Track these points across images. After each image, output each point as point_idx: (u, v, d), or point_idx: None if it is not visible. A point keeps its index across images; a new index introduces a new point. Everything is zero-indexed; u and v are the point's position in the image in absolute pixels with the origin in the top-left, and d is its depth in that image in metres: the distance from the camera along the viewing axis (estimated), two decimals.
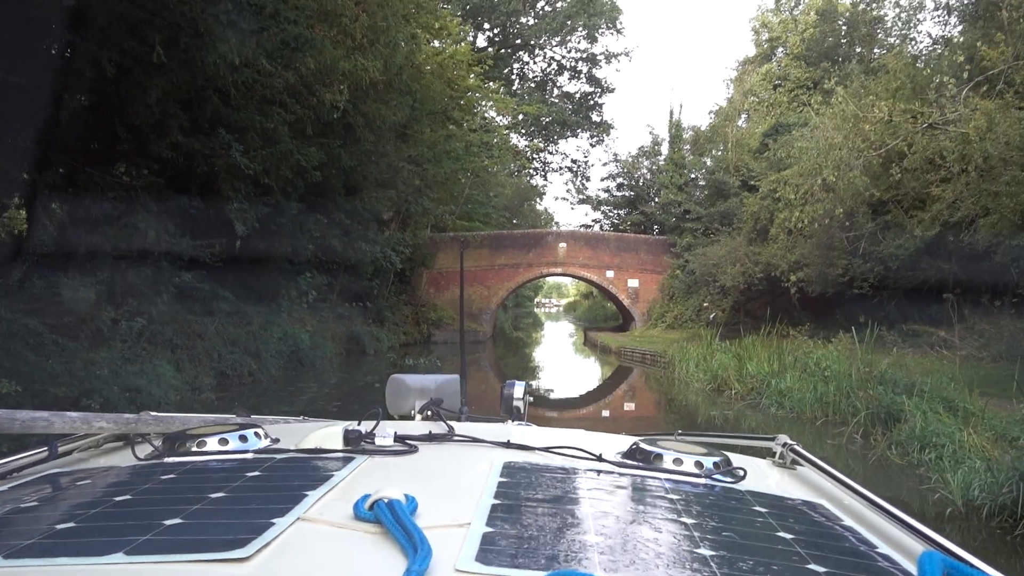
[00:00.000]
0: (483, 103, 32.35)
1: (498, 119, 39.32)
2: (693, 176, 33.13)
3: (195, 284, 13.52)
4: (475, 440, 1.59)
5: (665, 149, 39.88)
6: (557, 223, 57.10)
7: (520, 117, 41.59)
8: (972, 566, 0.92)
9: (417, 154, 19.40)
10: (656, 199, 39.40)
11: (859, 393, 11.98)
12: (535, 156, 47.58)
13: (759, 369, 16.47)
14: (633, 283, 34.21)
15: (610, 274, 34.43)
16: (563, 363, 31.25)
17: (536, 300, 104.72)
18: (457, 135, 21.91)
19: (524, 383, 2.46)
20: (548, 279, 78.45)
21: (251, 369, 15.90)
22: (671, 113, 33.84)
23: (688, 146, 35.39)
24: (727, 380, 17.01)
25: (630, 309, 34.40)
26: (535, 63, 45.51)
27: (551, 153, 49.63)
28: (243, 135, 12.84)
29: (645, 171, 40.08)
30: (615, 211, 41.43)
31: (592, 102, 47.17)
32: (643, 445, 1.53)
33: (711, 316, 28.03)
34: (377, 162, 18.01)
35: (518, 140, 45.01)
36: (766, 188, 23.39)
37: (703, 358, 19.67)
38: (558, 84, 45.88)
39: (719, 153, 30.61)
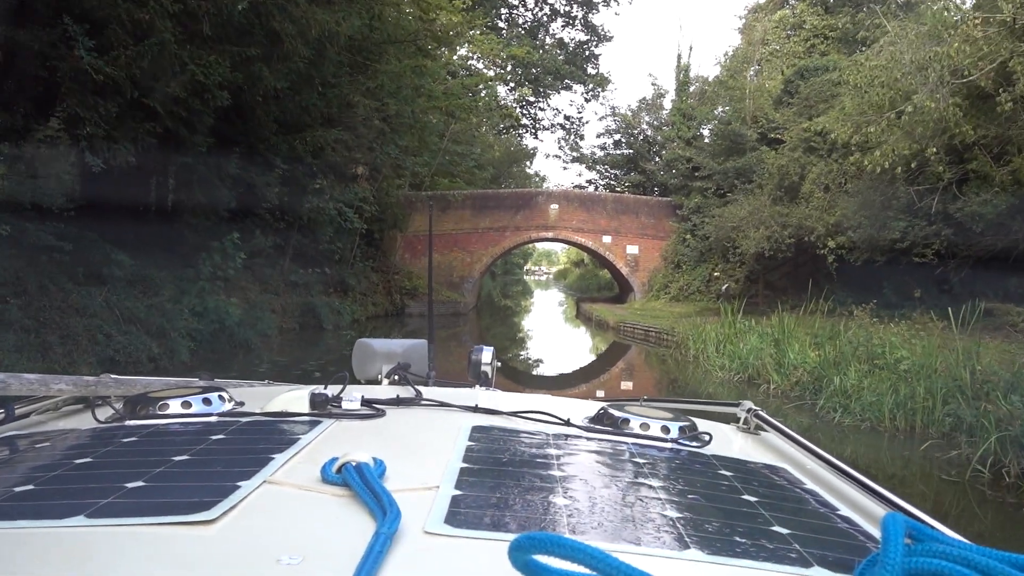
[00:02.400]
0: (464, 45, 28.34)
1: (483, 69, 35.41)
2: (703, 130, 29.35)
3: (54, 242, 9.85)
4: (443, 404, 1.58)
5: (668, 104, 36.10)
6: (548, 185, 53.27)
7: (508, 67, 37.65)
8: (933, 528, 0.87)
9: (377, 86, 15.73)
10: (658, 157, 35.73)
11: (980, 403, 8.50)
12: (524, 111, 43.66)
13: (803, 357, 13.00)
14: (632, 249, 30.66)
15: (607, 239, 30.85)
16: (555, 341, 27.67)
17: (525, 267, 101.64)
18: (431, 71, 18.20)
19: (492, 348, 2.35)
20: (538, 245, 75.09)
21: (152, 353, 12.31)
22: (678, 57, 30.08)
23: (696, 99, 31.54)
24: (762, 370, 13.54)
25: (629, 278, 30.88)
26: (525, 7, 41.44)
27: (542, 109, 45.79)
28: (101, 29, 9.08)
29: (646, 126, 36.34)
30: (612, 170, 37.77)
31: (587, 52, 43.26)
32: (610, 410, 1.52)
33: (723, 287, 24.54)
34: (323, 92, 14.33)
35: (506, 94, 41.13)
36: (796, 138, 19.76)
37: (725, 339, 16.19)
38: (551, 31, 41.87)
39: (730, 104, 26.81)
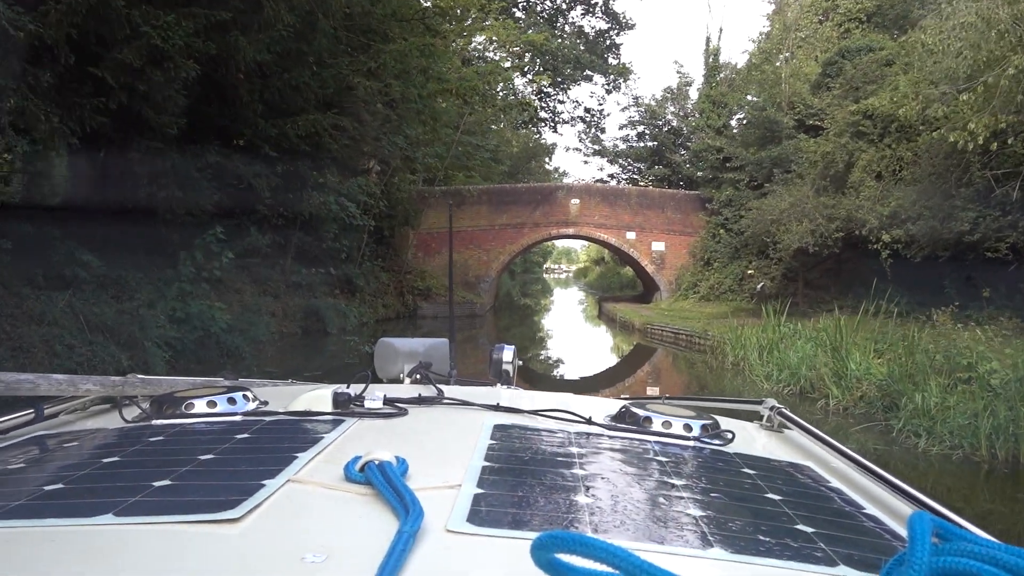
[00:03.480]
0: (479, 32, 26.69)
1: (500, 61, 33.75)
2: (733, 119, 27.52)
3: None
4: (465, 403, 1.58)
5: (695, 93, 34.28)
6: (568, 180, 51.59)
7: (527, 57, 36.01)
8: (961, 527, 0.89)
9: (379, 67, 14.19)
10: (683, 149, 33.96)
11: None
12: (543, 104, 41.99)
13: (867, 368, 11.29)
14: (658, 246, 28.94)
15: (631, 235, 29.15)
16: (577, 344, 25.95)
17: (545, 266, 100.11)
18: (441, 52, 16.62)
19: (513, 347, 2.32)
20: (557, 243, 73.37)
21: (121, 366, 10.77)
22: (707, 41, 28.26)
23: (726, 86, 29.69)
24: (817, 382, 11.84)
25: (654, 277, 29.16)
26: None
27: (561, 101, 44.12)
28: None
29: (671, 117, 34.57)
30: (635, 164, 36.02)
31: (608, 42, 41.50)
32: (632, 409, 1.52)
33: (758, 286, 22.79)
34: (317, 72, 12.79)
35: (524, 86, 39.48)
36: (842, 122, 17.97)
37: (769, 344, 14.50)
38: (570, 19, 40.16)
39: (764, 90, 24.97)
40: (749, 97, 25.35)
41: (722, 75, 29.61)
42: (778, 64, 28.77)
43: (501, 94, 39.06)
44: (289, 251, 19.07)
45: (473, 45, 34.19)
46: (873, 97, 17.69)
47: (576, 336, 28.52)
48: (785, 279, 22.68)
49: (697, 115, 28.89)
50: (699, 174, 31.36)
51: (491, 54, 34.77)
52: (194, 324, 12.52)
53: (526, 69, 36.33)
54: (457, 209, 28.53)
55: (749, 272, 23.61)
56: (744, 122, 24.77)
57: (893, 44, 21.83)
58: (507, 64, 33.61)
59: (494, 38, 33.37)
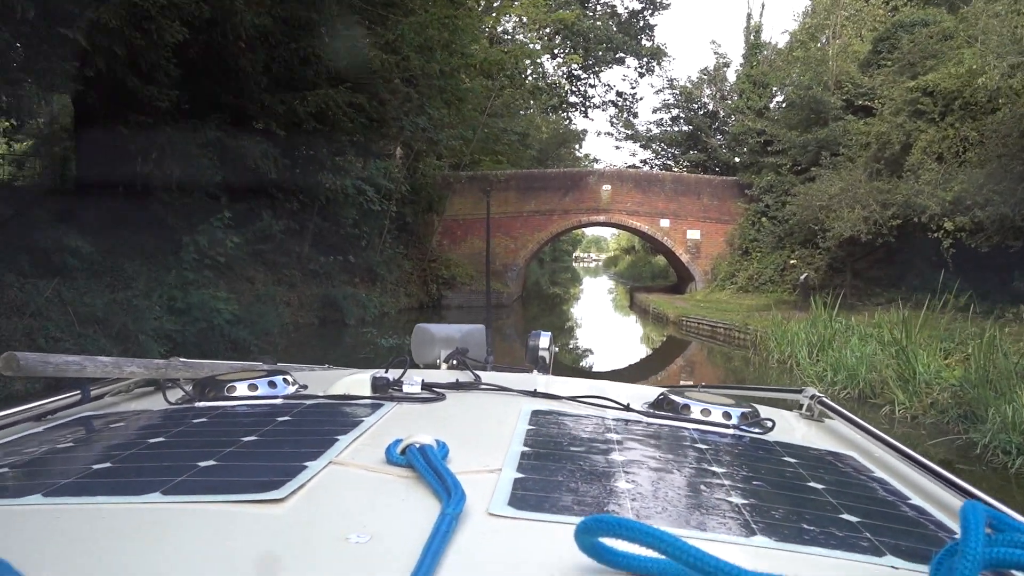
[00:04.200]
0: (507, 14, 25.47)
1: (528, 43, 32.52)
2: (774, 100, 26.08)
3: None
4: (502, 389, 1.58)
5: (732, 75, 32.77)
6: (598, 166, 50.29)
7: (557, 38, 34.75)
8: (1013, 518, 0.88)
9: (396, 38, 13.15)
10: (719, 134, 32.53)
11: None
12: (573, 88, 40.69)
13: (936, 371, 10.07)
14: (693, 234, 27.66)
15: (665, 223, 27.88)
16: (609, 338, 24.72)
17: (574, 254, 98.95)
18: (464, 27, 15.48)
19: (550, 334, 2.30)
20: (587, 231, 71.98)
21: None
22: (748, 17, 26.79)
23: (768, 65, 28.19)
24: (879, 386, 10.64)
25: (689, 266, 27.88)
26: None
27: (592, 85, 42.76)
28: None
29: (707, 100, 33.12)
30: (668, 149, 34.62)
31: (642, 22, 40.03)
32: (671, 396, 1.50)
33: (801, 277, 21.45)
34: (329, 42, 11.75)
35: (553, 70, 38.22)
36: (900, 100, 16.59)
37: (821, 342, 13.28)
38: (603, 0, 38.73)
39: (809, 68, 23.48)
40: (794, 75, 23.87)
41: (764, 54, 28.12)
42: (822, 43, 27.27)
43: (530, 77, 37.94)
44: (306, 237, 18.17)
45: (502, 28, 33.08)
46: (933, 73, 16.27)
47: (607, 329, 27.31)
48: (831, 270, 21.33)
49: (736, 96, 27.44)
50: (736, 159, 29.95)
51: (520, 36, 33.65)
52: (195, 315, 11.62)
53: (556, 51, 35.03)
54: (483, 195, 27.48)
55: (792, 262, 22.28)
56: (786, 103, 23.32)
57: (951, 17, 20.33)
58: (537, 45, 32.37)
59: (523, 18, 32.19)
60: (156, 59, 8.85)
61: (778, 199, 22.87)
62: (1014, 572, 0.63)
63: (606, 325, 28.64)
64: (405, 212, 22.33)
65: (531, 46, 32.17)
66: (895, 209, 15.40)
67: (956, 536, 0.64)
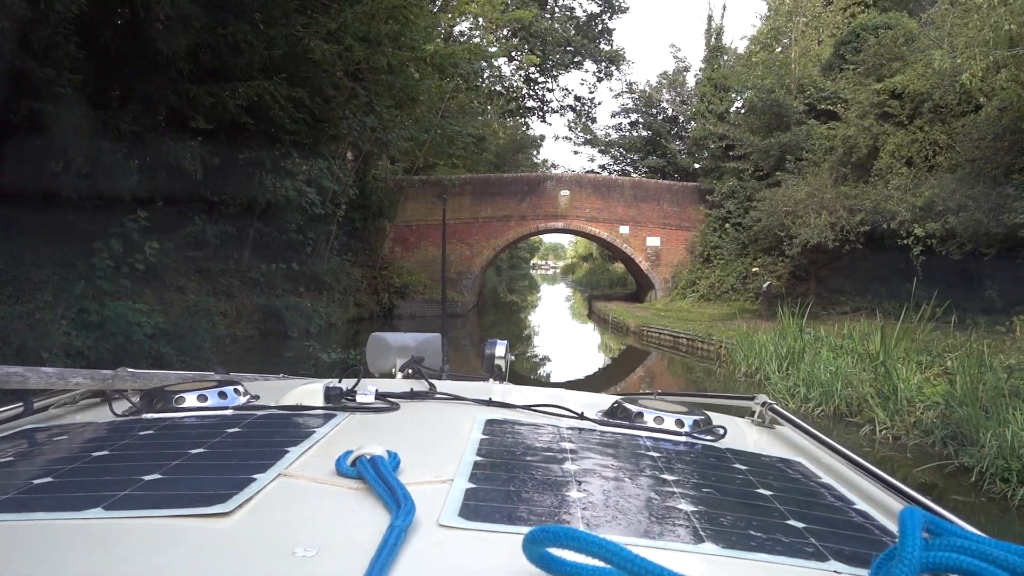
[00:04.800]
0: (462, 16, 24.55)
1: (485, 45, 31.65)
2: (735, 104, 25.56)
3: None
4: (457, 398, 1.57)
5: (692, 81, 32.29)
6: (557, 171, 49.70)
7: (515, 39, 33.96)
8: (951, 522, 0.89)
9: (338, 28, 12.14)
10: (679, 139, 32.04)
11: None
12: (531, 92, 39.96)
13: (918, 388, 9.39)
14: (653, 241, 27.04)
15: (624, 230, 27.22)
16: (568, 350, 23.83)
17: (532, 261, 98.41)
18: (414, 20, 14.50)
19: (505, 342, 2.35)
20: (544, 238, 71.46)
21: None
22: (709, 19, 26.23)
23: (730, 67, 27.69)
24: (856, 404, 9.93)
25: (649, 274, 27.24)
26: None
27: (550, 89, 42.11)
28: None
29: (666, 104, 32.62)
30: (627, 154, 34.04)
31: (600, 26, 39.50)
32: (625, 404, 1.51)
33: (764, 285, 20.86)
34: (264, 27, 10.68)
35: (511, 72, 37.44)
36: (866, 102, 16.08)
37: (791, 354, 12.59)
38: (560, 1, 38.07)
39: (771, 71, 22.99)
40: (755, 79, 23.37)
41: (725, 58, 27.63)
42: (782, 47, 26.89)
43: (487, 80, 37.08)
44: (246, 244, 17.01)
45: (459, 29, 32.20)
46: (900, 75, 15.79)
47: (565, 340, 26.45)
48: (794, 278, 20.80)
49: (697, 100, 26.87)
50: (696, 165, 29.47)
51: (477, 38, 32.81)
52: (111, 329, 10.44)
53: (514, 53, 34.24)
54: (437, 200, 26.51)
55: (754, 270, 21.71)
56: (748, 107, 22.80)
57: (912, 21, 20.01)
58: (493, 48, 31.53)
59: (480, 19, 31.36)
60: (52, 36, 7.75)
61: (741, 205, 22.32)
62: (950, 575, 0.64)
63: (565, 336, 27.79)
64: (354, 217, 21.24)
65: (488, 48, 31.32)
66: (863, 215, 14.83)
67: (897, 541, 0.63)
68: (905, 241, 14.17)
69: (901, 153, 14.99)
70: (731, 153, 22.92)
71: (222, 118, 10.92)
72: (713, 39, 25.96)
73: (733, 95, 25.54)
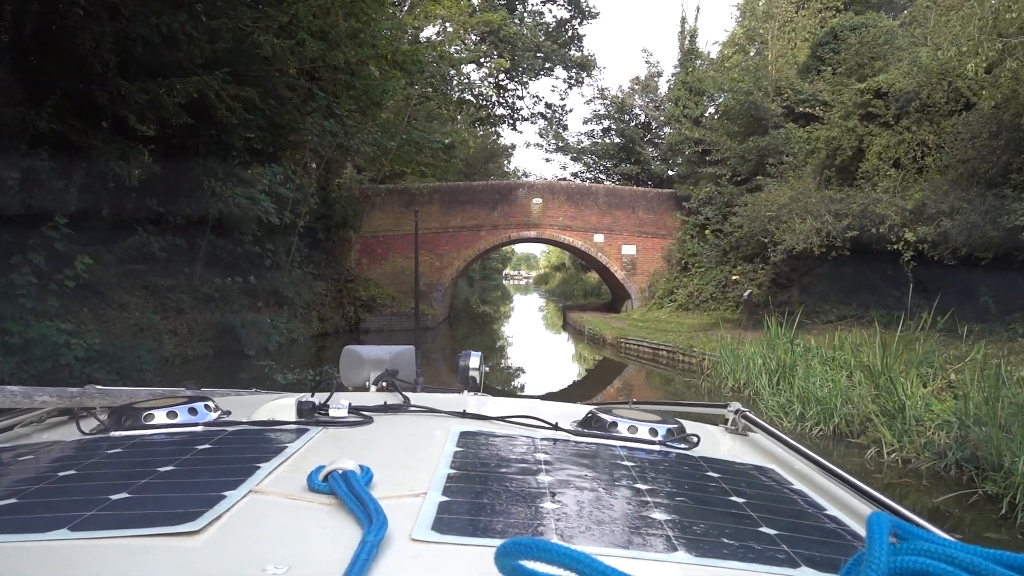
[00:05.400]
0: (431, 7, 23.65)
1: (454, 50, 30.82)
2: (711, 108, 24.91)
3: None
4: (431, 410, 1.56)
5: (664, 87, 31.69)
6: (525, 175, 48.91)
7: (484, 45, 33.18)
8: (919, 526, 0.91)
9: (289, 21, 11.18)
10: (652, 146, 31.42)
11: None
12: (500, 99, 39.21)
13: (926, 403, 8.61)
14: (629, 250, 26.33)
15: (599, 238, 26.48)
16: (543, 365, 22.89)
17: (504, 272, 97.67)
18: (374, 15, 13.56)
19: (480, 353, 2.34)
20: (517, 248, 70.74)
21: None
22: (682, 21, 25.63)
23: (705, 69, 27.08)
24: (857, 423, 9.15)
25: (625, 283, 26.50)
26: None
27: (520, 97, 41.37)
28: None
29: (639, 111, 31.99)
30: (600, 161, 33.34)
31: (571, 32, 38.86)
32: (599, 414, 1.50)
33: (744, 294, 20.17)
34: (205, 23, 9.66)
35: (480, 80, 36.64)
36: (850, 103, 15.44)
37: (781, 368, 11.82)
38: (529, 5, 37.37)
39: (747, 74, 22.36)
40: (731, 82, 22.72)
41: (699, 62, 27.02)
42: (755, 50, 26.36)
43: (455, 86, 36.25)
44: (198, 257, 15.93)
45: (426, 34, 31.35)
46: (883, 74, 15.17)
47: (540, 353, 25.52)
48: (775, 286, 20.13)
49: (671, 104, 26.21)
50: (671, 172, 28.88)
51: (445, 44, 32.01)
52: (36, 353, 9.36)
53: (483, 60, 33.42)
54: (405, 209, 25.58)
55: (734, 278, 21.01)
56: (725, 111, 22.15)
57: (890, 21, 19.52)
58: (461, 53, 30.70)
59: (448, 25, 30.52)
60: None
61: (719, 211, 21.63)
62: None
63: (539, 350, 26.83)
64: (317, 228, 20.20)
65: (455, 51, 30.47)
66: (850, 220, 14.14)
67: (865, 546, 0.65)
68: (895, 246, 13.49)
69: (888, 155, 14.34)
70: (707, 158, 22.26)
71: (163, 120, 9.89)
72: (687, 42, 25.36)
73: (708, 99, 24.91)
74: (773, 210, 15.34)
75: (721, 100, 23.83)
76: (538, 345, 27.76)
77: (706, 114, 25.66)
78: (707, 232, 21.76)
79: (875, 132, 14.77)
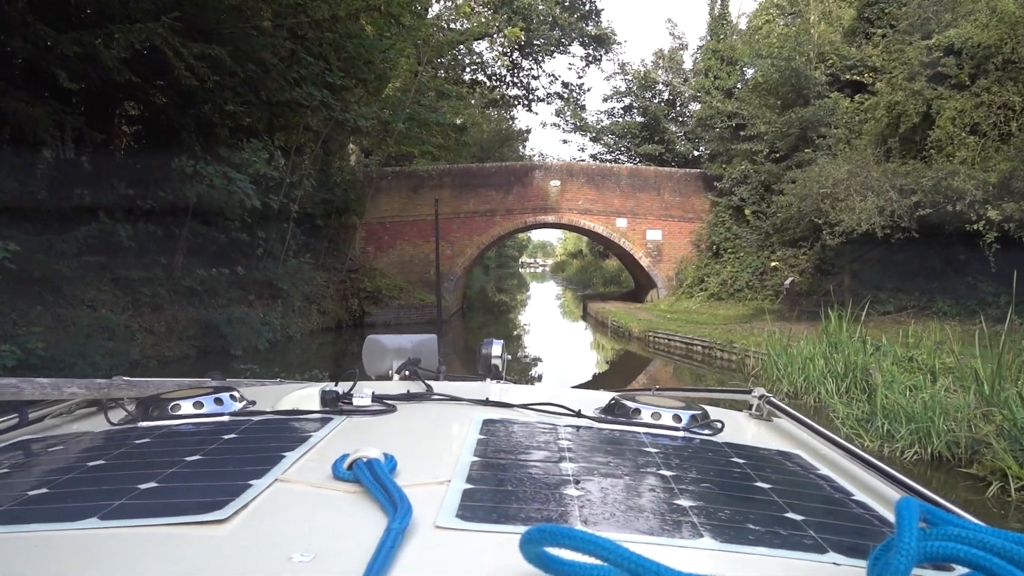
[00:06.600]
0: None
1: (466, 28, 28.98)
2: (746, 78, 22.83)
3: None
4: (453, 398, 1.57)
5: (689, 61, 29.69)
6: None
7: (495, 22, 31.27)
8: (949, 511, 0.89)
9: None
10: (674, 125, 29.43)
11: None
12: (515, 79, 37.28)
13: None
14: (654, 235, 24.46)
15: (621, 223, 24.62)
16: (568, 362, 21.00)
17: (520, 259, 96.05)
18: None
19: (502, 341, 2.30)
20: (533, 235, 69.12)
21: None
22: None
23: (737, 40, 25.01)
24: (969, 444, 7.30)
25: (650, 271, 24.63)
26: None
27: (535, 77, 39.43)
28: None
29: (662, 87, 29.98)
30: (621, 141, 31.36)
31: (588, 6, 36.77)
32: (622, 400, 1.50)
33: (786, 282, 18.29)
34: None
35: (492, 59, 34.75)
36: (916, 62, 13.45)
37: (850, 371, 10.00)
38: None
39: (786, 41, 20.31)
40: (768, 48, 20.66)
41: (731, 25, 24.88)
42: (788, 21, 24.27)
43: (467, 65, 34.41)
44: (178, 246, 14.24)
45: (435, 9, 29.50)
46: (954, 29, 13.19)
47: (561, 349, 23.63)
48: (819, 272, 18.22)
49: (701, 76, 24.16)
50: (697, 152, 26.95)
51: (456, 23, 30.16)
52: None
53: (494, 34, 31.47)
54: (413, 194, 23.84)
55: (773, 264, 19.10)
56: (761, 80, 20.12)
57: None
58: (474, 26, 28.80)
59: None
60: None
61: (755, 191, 19.70)
62: (948, 564, 0.64)
63: (560, 344, 24.93)
64: (315, 213, 18.47)
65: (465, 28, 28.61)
66: (920, 196, 12.20)
67: (895, 531, 0.64)
68: (975, 226, 11.56)
69: (963, 120, 12.38)
70: (742, 133, 20.28)
71: (100, 78, 8.14)
72: (718, 6, 23.31)
73: (741, 70, 22.86)
74: (828, 186, 13.40)
75: (753, 72, 21.76)
76: (558, 340, 25.87)
77: (739, 85, 23.66)
78: (747, 213, 19.78)
79: (946, 95, 12.81)
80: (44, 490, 0.96)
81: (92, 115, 9.75)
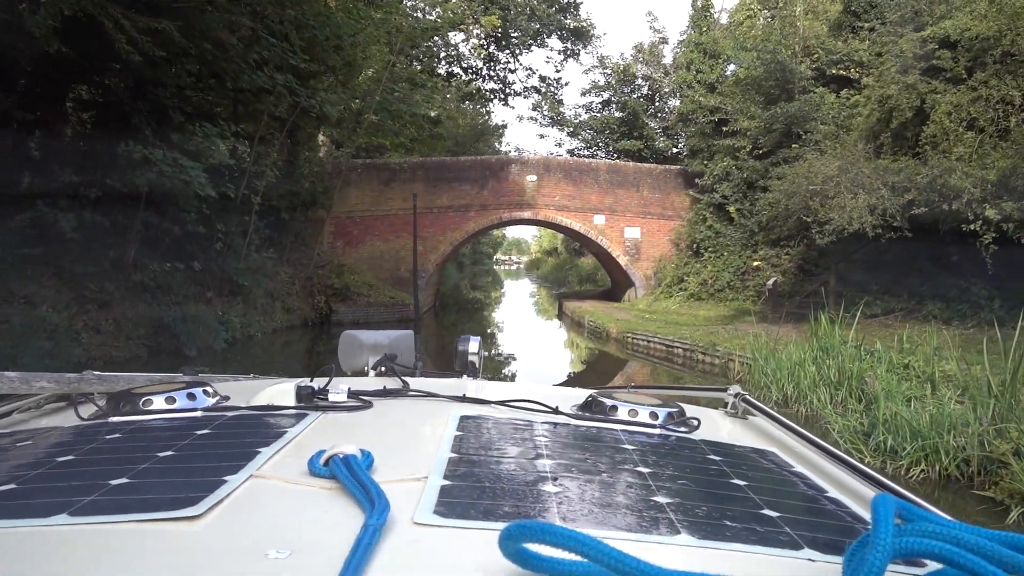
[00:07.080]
0: None
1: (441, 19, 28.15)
2: (728, 72, 22.24)
3: None
4: (430, 395, 1.55)
5: (669, 56, 29.11)
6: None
7: (472, 11, 30.49)
8: (923, 508, 0.89)
9: None
10: (655, 121, 28.86)
11: None
12: (491, 72, 36.56)
13: None
14: (632, 232, 23.88)
15: (599, 220, 24.01)
16: (543, 366, 20.26)
17: (495, 257, 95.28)
18: None
19: (479, 338, 2.22)
20: (508, 231, 68.42)
21: None
22: None
23: (719, 33, 24.42)
24: (982, 464, 6.70)
25: (628, 270, 24.04)
26: None
27: (512, 70, 38.74)
28: None
29: (641, 81, 29.39)
30: (599, 136, 30.73)
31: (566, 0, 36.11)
32: (599, 397, 1.49)
33: (769, 282, 17.75)
34: None
35: (469, 52, 33.99)
36: (909, 55, 12.91)
37: (844, 378, 9.42)
38: None
39: (770, 34, 19.76)
40: (752, 42, 20.08)
41: (714, 18, 24.32)
42: (771, 15, 23.75)
43: (442, 58, 33.64)
44: (130, 239, 13.31)
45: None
46: (949, 20, 12.66)
47: (536, 351, 22.89)
48: (802, 273, 17.70)
49: (682, 70, 23.57)
50: (676, 148, 26.38)
51: (432, 15, 29.33)
52: None
53: (470, 23, 30.67)
54: (384, 187, 23.01)
55: (755, 264, 18.55)
56: (745, 74, 19.53)
57: None
58: (448, 15, 27.98)
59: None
60: None
61: (738, 189, 19.13)
62: (922, 559, 0.65)
63: (535, 346, 24.19)
64: (280, 206, 17.59)
65: (440, 18, 27.79)
66: (914, 194, 11.65)
67: (870, 527, 0.65)
68: (972, 226, 11.03)
69: (960, 115, 11.86)
70: (724, 129, 19.70)
71: (20, 47, 7.29)
72: None
73: (724, 63, 22.28)
74: (817, 183, 12.81)
75: (735, 68, 21.17)
76: (533, 342, 25.09)
77: (721, 80, 23.08)
78: (732, 211, 19.19)
79: (941, 89, 12.28)
80: (12, 486, 0.93)
81: (33, 96, 8.87)
